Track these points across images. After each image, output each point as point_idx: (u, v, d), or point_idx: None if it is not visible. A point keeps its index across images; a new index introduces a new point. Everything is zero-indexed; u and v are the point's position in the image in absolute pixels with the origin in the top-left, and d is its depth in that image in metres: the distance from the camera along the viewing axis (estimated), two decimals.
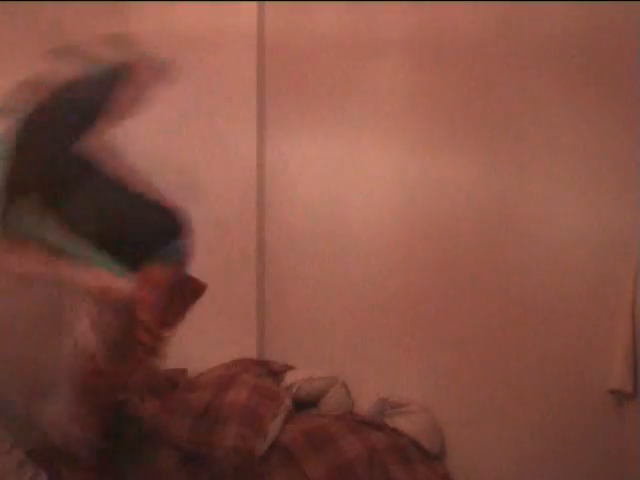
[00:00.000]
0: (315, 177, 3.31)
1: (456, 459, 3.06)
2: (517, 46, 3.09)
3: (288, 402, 2.97)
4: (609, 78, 2.97)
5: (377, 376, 3.20)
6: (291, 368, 3.23)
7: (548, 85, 3.05)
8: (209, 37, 3.35)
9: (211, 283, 3.34)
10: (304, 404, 3.10)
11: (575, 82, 3.02)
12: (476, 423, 3.05)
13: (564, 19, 3.03)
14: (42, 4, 3.35)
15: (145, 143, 3.43)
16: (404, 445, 2.90)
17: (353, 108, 3.28)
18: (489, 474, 3.02)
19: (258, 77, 3.35)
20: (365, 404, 3.17)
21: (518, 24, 3.09)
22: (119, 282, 1.97)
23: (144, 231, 2.04)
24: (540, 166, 3.05)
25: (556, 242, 3.02)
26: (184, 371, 3.33)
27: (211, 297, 3.33)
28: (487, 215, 3.10)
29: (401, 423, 3.00)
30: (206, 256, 3.33)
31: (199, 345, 3.31)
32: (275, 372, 3.19)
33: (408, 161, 3.21)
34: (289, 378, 3.13)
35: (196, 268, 3.34)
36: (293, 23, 3.38)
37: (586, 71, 3.00)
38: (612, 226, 2.95)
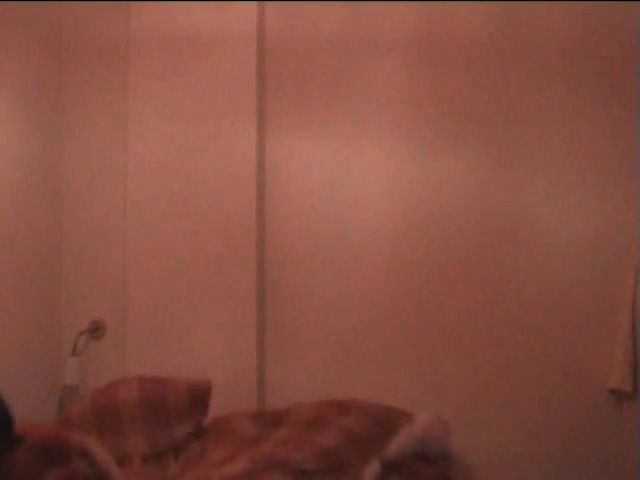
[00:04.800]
0: (315, 177, 3.31)
1: (456, 460, 3.06)
2: (517, 46, 3.09)
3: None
4: (609, 78, 2.97)
5: (377, 376, 3.19)
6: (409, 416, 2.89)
7: (548, 85, 3.05)
8: (209, 37, 3.35)
9: (211, 283, 3.35)
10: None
11: (575, 82, 3.02)
12: (476, 423, 3.05)
13: (564, 19, 3.03)
14: (42, 4, 3.35)
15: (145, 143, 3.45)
16: None
17: (353, 108, 3.28)
18: (489, 474, 3.02)
19: (258, 77, 3.34)
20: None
21: (518, 24, 3.09)
22: None
23: None
24: (540, 166, 3.05)
25: (556, 242, 3.02)
26: (209, 385, 2.95)
27: (211, 297, 3.34)
28: (487, 216, 3.10)
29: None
30: (206, 256, 3.34)
31: (199, 345, 3.31)
32: (384, 420, 2.83)
33: (408, 161, 3.21)
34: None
35: (197, 268, 3.35)
36: (293, 23, 3.38)
37: (586, 71, 3.00)
38: (612, 226, 2.95)
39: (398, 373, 3.17)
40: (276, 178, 3.35)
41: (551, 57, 3.05)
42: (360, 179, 3.26)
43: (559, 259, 3.01)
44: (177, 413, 2.81)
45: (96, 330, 3.44)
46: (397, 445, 2.66)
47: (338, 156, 3.29)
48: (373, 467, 2.55)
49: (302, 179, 3.33)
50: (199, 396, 2.86)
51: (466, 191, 3.13)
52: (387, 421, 2.78)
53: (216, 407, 3.23)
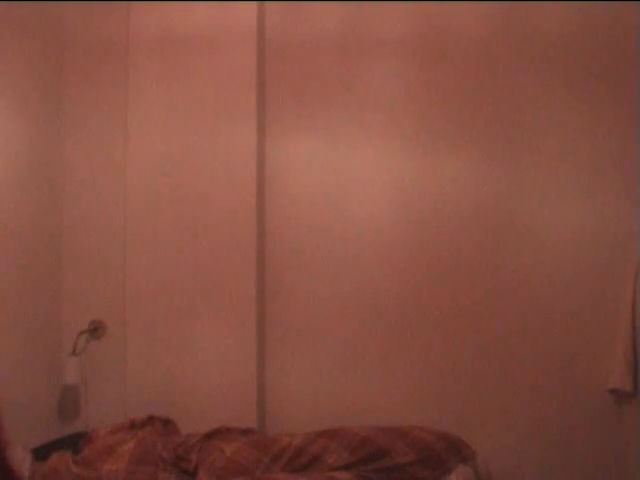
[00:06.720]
0: (315, 177, 3.31)
1: None
2: (516, 47, 3.09)
3: None
4: (609, 78, 2.97)
5: (379, 378, 3.19)
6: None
7: (548, 85, 3.05)
8: (209, 37, 3.35)
9: (211, 283, 3.35)
10: None
11: (575, 82, 3.02)
12: (476, 423, 3.05)
13: (564, 19, 3.03)
14: (42, 4, 3.35)
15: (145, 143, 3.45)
16: None
17: (353, 108, 3.28)
18: (487, 474, 3.01)
19: (258, 77, 3.34)
20: (364, 405, 3.17)
21: (518, 25, 3.09)
22: None
23: None
24: (540, 166, 3.05)
25: (556, 242, 3.02)
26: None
27: (212, 297, 3.34)
28: (487, 216, 3.10)
29: None
30: (206, 256, 3.34)
31: (198, 345, 3.31)
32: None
33: (407, 162, 3.21)
34: None
35: (197, 268, 3.35)
36: (293, 23, 3.37)
37: (586, 71, 3.01)
38: (612, 226, 2.95)
39: (399, 375, 3.17)
40: (276, 178, 3.35)
41: (551, 57, 3.05)
42: (359, 178, 3.26)
43: (559, 259, 3.01)
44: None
45: (96, 330, 3.44)
46: None
47: (338, 156, 3.29)
48: None
49: (302, 179, 3.33)
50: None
51: (465, 191, 3.13)
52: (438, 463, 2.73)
53: (217, 407, 3.24)
